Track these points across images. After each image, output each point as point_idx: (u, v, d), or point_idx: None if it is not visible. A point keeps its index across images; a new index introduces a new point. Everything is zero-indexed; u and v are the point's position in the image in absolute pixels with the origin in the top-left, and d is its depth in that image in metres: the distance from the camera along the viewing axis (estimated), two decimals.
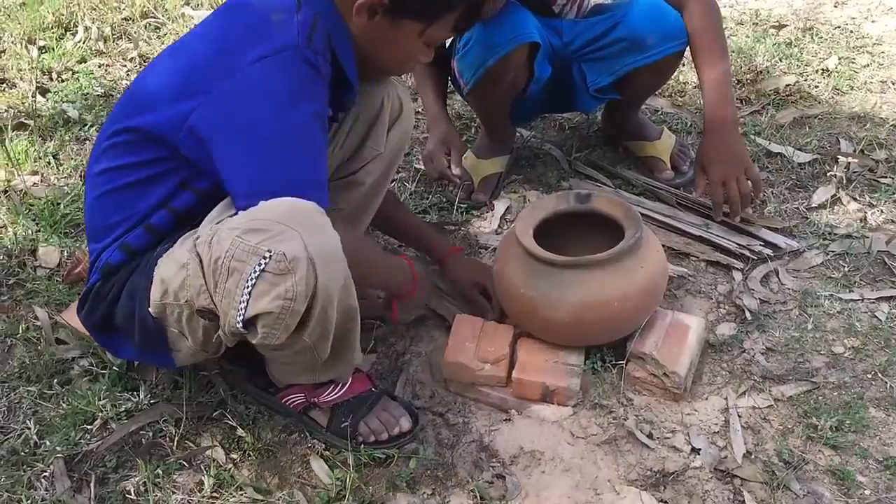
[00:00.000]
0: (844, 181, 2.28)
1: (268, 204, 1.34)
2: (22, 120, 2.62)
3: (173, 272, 1.40)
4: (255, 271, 1.29)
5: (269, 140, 1.37)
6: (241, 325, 1.34)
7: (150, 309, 1.44)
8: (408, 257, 1.85)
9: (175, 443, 1.64)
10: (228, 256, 1.31)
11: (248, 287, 1.30)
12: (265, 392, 1.69)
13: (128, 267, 1.51)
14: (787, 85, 2.69)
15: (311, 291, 1.31)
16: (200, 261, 1.36)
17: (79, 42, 3.06)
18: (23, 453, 1.62)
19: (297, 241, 1.29)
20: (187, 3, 3.30)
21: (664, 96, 2.65)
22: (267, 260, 1.29)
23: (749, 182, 2.00)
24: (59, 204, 2.25)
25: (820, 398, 1.71)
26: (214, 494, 1.55)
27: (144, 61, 2.98)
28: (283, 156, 1.38)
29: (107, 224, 1.53)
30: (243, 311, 1.32)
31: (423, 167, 2.35)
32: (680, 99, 2.67)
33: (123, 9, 3.25)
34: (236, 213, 1.38)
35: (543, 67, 2.09)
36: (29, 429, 1.66)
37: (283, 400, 1.65)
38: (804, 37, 2.95)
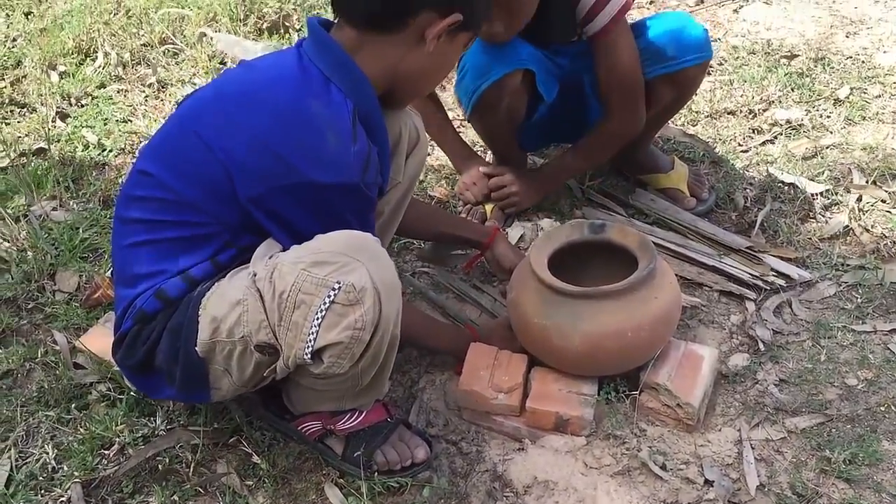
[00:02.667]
0: (857, 212, 2.29)
1: (325, 237, 1.38)
2: (41, 145, 2.66)
3: (226, 310, 1.41)
4: (325, 303, 1.32)
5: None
6: (308, 356, 1.36)
7: (197, 348, 1.45)
8: (472, 326, 1.93)
9: (191, 469, 1.65)
10: (295, 290, 1.34)
11: (317, 318, 1.33)
12: (281, 419, 1.70)
13: (165, 313, 1.50)
14: (799, 115, 2.70)
15: (376, 320, 1.35)
16: (261, 296, 1.38)
17: (98, 67, 3.10)
18: (41, 478, 1.64)
19: (362, 272, 1.33)
20: (209, 25, 3.34)
21: (676, 125, 2.67)
22: (336, 291, 1.32)
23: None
24: (77, 228, 2.28)
25: (833, 431, 1.71)
26: None
27: (162, 87, 3.01)
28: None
29: (141, 273, 1.52)
30: (312, 342, 1.35)
31: (437, 194, 2.38)
32: (692, 128, 2.69)
33: (142, 35, 3.29)
34: (285, 249, 1.42)
35: (550, 88, 2.12)
36: (47, 453, 1.68)
37: (299, 427, 1.66)
38: (816, 67, 2.96)
